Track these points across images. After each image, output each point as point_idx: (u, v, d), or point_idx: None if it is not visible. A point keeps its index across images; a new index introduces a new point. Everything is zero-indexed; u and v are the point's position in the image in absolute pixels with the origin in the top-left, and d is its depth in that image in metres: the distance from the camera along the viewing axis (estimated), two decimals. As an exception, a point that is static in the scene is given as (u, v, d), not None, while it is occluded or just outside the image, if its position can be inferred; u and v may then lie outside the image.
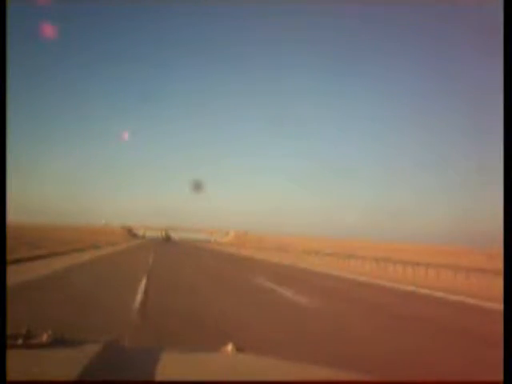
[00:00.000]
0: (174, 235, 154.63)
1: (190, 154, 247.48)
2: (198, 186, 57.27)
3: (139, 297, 10.62)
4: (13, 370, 1.26)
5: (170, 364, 1.54)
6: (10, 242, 15.22)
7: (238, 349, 1.88)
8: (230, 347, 1.87)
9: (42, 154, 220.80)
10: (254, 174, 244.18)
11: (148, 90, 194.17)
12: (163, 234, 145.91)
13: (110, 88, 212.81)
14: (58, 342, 1.55)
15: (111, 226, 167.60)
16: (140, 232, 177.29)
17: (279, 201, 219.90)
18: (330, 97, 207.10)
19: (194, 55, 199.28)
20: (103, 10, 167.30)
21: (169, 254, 42.49)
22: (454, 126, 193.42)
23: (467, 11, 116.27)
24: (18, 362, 1.38)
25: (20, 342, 1.50)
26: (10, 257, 16.70)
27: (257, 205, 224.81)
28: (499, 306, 10.14)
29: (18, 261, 18.60)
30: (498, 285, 13.63)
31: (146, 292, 11.64)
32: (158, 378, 1.33)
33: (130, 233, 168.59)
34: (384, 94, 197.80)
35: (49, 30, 32.73)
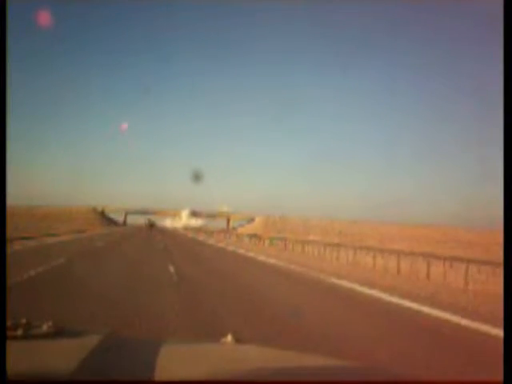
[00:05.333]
0: (177, 224, 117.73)
1: (194, 142, 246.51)
2: (197, 176, 56.71)
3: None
4: (13, 361, 1.24)
5: (169, 355, 1.53)
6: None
7: (237, 340, 1.90)
8: (229, 338, 1.89)
9: (41, 145, 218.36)
10: (256, 164, 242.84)
11: (148, 81, 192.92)
12: (147, 221, 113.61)
13: (110, 79, 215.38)
14: (58, 332, 1.53)
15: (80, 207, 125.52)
16: (120, 216, 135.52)
17: (281, 189, 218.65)
18: (333, 90, 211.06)
19: (194, 48, 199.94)
20: (104, 3, 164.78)
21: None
22: (454, 119, 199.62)
23: (467, 9, 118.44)
24: (17, 353, 1.36)
25: (20, 332, 1.48)
26: None
27: (258, 193, 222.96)
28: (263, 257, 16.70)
29: None
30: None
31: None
32: (157, 369, 1.32)
33: (104, 217, 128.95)
34: (385, 88, 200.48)
35: (48, 21, 32.31)
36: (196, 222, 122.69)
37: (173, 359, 1.53)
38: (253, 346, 1.97)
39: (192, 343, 1.85)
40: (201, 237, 57.89)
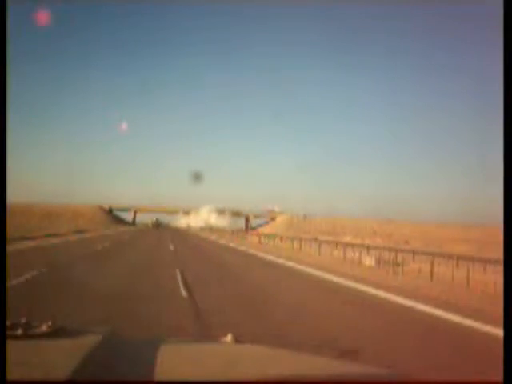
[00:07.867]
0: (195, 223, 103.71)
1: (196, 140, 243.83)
2: (197, 177, 56.17)
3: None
4: (12, 361, 1.25)
5: (169, 355, 1.52)
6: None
7: (237, 340, 1.89)
8: (229, 338, 1.88)
9: (40, 141, 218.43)
10: (257, 162, 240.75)
11: (147, 79, 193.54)
12: (153, 220, 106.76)
13: (108, 76, 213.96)
14: (57, 332, 1.53)
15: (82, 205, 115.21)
16: (129, 215, 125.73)
17: (285, 187, 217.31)
18: (337, 88, 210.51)
19: (195, 47, 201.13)
20: (104, 2, 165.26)
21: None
22: (455, 116, 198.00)
23: (468, 10, 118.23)
24: (17, 353, 1.36)
25: (20, 332, 1.48)
26: None
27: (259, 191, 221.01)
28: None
29: None
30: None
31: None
32: (157, 369, 1.32)
33: (112, 215, 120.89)
34: (388, 87, 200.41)
35: (47, 20, 32.51)
36: (218, 222, 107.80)
37: (173, 359, 1.52)
38: (253, 346, 1.96)
39: (192, 343, 1.84)
40: (243, 243, 39.03)
